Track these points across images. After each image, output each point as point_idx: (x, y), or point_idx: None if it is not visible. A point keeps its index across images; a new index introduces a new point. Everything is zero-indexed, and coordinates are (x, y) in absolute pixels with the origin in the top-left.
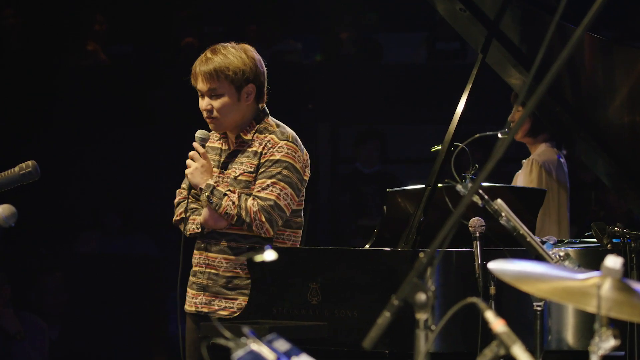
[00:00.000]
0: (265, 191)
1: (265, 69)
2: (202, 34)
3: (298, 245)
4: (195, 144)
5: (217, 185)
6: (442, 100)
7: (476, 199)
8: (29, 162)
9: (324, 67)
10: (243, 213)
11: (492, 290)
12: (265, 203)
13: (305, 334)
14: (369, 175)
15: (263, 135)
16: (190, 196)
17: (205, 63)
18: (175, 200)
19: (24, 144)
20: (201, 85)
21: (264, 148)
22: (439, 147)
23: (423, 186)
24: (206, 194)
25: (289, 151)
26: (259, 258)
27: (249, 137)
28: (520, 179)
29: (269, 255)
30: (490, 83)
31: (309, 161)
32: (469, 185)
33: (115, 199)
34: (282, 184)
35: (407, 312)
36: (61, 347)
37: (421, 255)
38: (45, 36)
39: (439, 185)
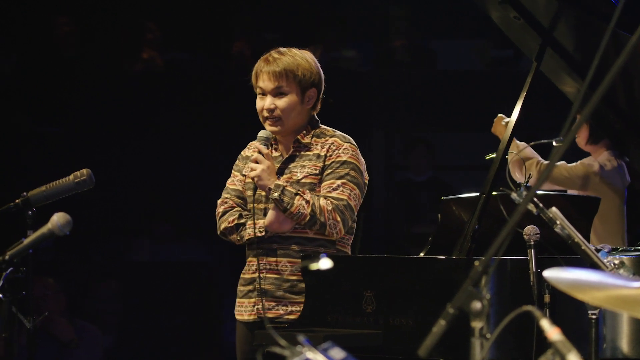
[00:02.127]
0: (337, 191)
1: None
2: (258, 41)
3: (349, 250)
4: (258, 145)
5: (287, 185)
6: (496, 107)
7: (531, 207)
8: (84, 171)
9: (378, 75)
10: (317, 212)
11: (547, 298)
12: (339, 203)
13: (359, 342)
14: (421, 183)
15: (323, 139)
16: (236, 205)
17: (274, 62)
18: (221, 209)
19: (79, 151)
20: (266, 84)
21: (328, 150)
22: (494, 155)
23: (477, 194)
24: (276, 193)
25: (354, 153)
26: (313, 266)
27: (307, 140)
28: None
29: (324, 263)
30: (544, 90)
31: (365, 165)
32: (524, 193)
33: (167, 205)
34: (351, 184)
35: (462, 320)
36: (115, 355)
37: (476, 263)
38: (100, 44)
39: (494, 193)
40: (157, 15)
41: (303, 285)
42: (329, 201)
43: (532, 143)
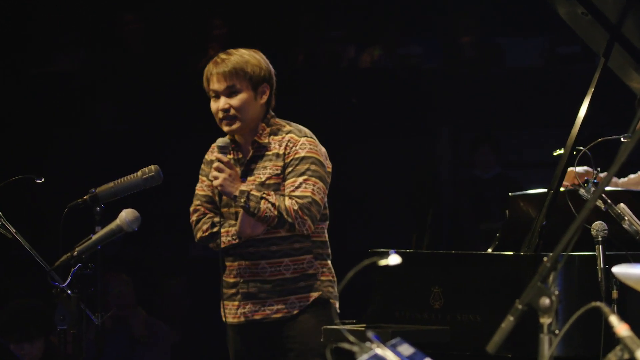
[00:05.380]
0: (300, 189)
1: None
2: (325, 38)
3: (326, 237)
4: (217, 155)
5: (251, 190)
6: (563, 104)
7: (599, 203)
8: (152, 167)
9: (444, 72)
10: (284, 214)
11: (615, 294)
12: (303, 201)
13: (427, 338)
14: (488, 179)
15: (280, 137)
16: (208, 211)
17: (222, 63)
18: (195, 217)
19: (149, 149)
20: (217, 86)
21: (285, 148)
22: (561, 151)
23: (545, 190)
24: (242, 199)
25: (311, 146)
26: (382, 262)
27: (265, 140)
28: None
29: (393, 259)
30: (613, 86)
31: (327, 153)
32: (592, 189)
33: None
34: (313, 179)
35: (530, 316)
36: (183, 352)
37: (545, 259)
38: (166, 41)
39: (562, 189)
40: (224, 11)
41: (285, 283)
42: (294, 201)
43: (600, 139)
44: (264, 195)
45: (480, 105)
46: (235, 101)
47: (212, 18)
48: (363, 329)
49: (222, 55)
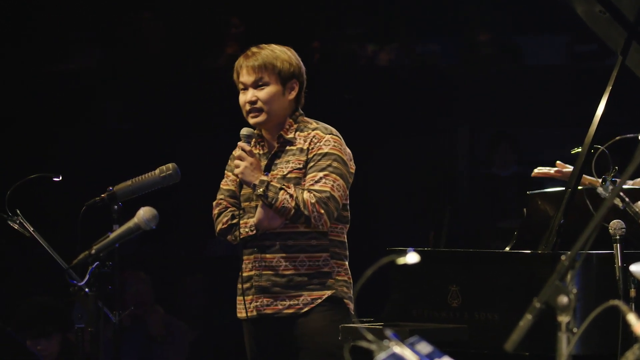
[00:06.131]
0: (319, 184)
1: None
2: (342, 36)
3: (345, 239)
4: (241, 143)
5: (271, 181)
6: (581, 102)
7: (617, 201)
8: (169, 165)
9: (462, 70)
10: (301, 206)
11: (633, 292)
12: (322, 195)
13: (445, 337)
14: (506, 178)
15: (305, 133)
16: (230, 205)
17: (253, 57)
18: (216, 211)
19: (166, 147)
20: (246, 78)
21: (310, 143)
22: (579, 150)
23: (563, 189)
24: (261, 189)
25: (336, 144)
26: (400, 260)
27: (290, 135)
28: None
29: (411, 257)
30: (631, 84)
31: (351, 155)
32: (610, 187)
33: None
34: (334, 175)
35: (547, 315)
36: (200, 349)
37: (563, 257)
38: (185, 39)
39: (580, 187)
40: (241, 10)
41: (299, 279)
42: (312, 194)
43: (617, 138)
44: (283, 187)
45: (498, 103)
46: (262, 94)
47: (229, 17)
48: (381, 327)
49: (254, 49)
